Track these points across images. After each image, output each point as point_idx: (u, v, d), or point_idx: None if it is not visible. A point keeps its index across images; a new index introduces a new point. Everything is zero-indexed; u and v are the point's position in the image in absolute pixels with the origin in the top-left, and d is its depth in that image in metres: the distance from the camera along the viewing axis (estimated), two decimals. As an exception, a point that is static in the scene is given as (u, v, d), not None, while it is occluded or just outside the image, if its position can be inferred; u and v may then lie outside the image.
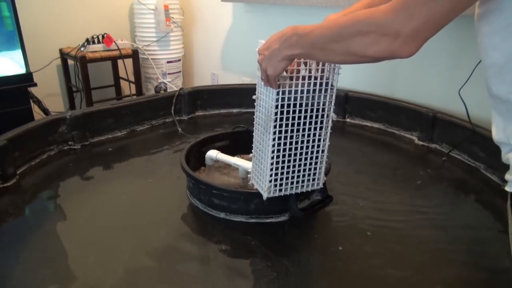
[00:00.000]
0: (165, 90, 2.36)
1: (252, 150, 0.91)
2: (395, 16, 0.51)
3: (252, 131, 0.90)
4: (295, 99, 0.79)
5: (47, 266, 0.80)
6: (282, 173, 0.85)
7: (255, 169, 0.91)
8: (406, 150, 1.37)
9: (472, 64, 1.12)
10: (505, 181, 0.58)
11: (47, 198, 1.07)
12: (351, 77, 1.67)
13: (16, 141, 1.13)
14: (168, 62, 2.45)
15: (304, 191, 0.89)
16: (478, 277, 0.80)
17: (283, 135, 0.81)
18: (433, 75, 1.47)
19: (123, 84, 2.62)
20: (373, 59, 0.56)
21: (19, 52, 1.85)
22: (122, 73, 2.54)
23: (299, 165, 0.86)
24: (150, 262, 0.81)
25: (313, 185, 0.90)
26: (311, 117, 0.82)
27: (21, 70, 1.87)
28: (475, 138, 1.20)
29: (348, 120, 1.61)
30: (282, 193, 0.87)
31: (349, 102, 1.60)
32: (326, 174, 0.92)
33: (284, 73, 0.75)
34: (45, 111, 2.16)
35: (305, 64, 0.77)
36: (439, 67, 1.44)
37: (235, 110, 1.73)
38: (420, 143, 1.39)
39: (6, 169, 1.08)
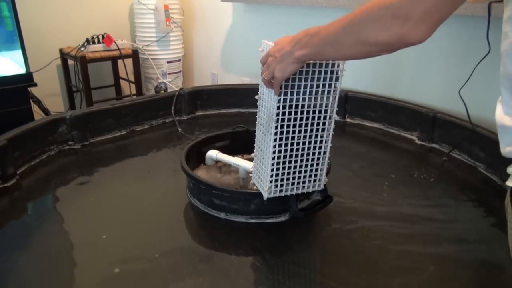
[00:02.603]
0: (165, 90, 2.36)
1: (254, 150, 0.91)
2: None
3: (252, 131, 0.90)
4: (297, 100, 0.79)
5: (47, 266, 0.80)
6: (283, 174, 0.85)
7: (256, 169, 0.91)
8: (406, 150, 1.37)
9: (472, 64, 1.12)
10: (505, 181, 0.58)
11: (47, 198, 1.07)
12: (351, 77, 1.67)
13: (16, 141, 1.13)
14: (168, 62, 2.45)
15: (305, 192, 0.89)
16: (478, 277, 0.80)
17: (284, 136, 0.81)
18: (433, 75, 1.47)
19: (123, 84, 2.62)
20: (385, 46, 0.55)
21: (19, 52, 1.84)
22: (122, 73, 2.54)
23: (300, 166, 0.86)
24: (151, 263, 0.81)
25: (314, 186, 0.90)
26: (313, 118, 0.82)
27: (21, 70, 1.87)
28: (475, 138, 1.20)
29: (348, 120, 1.61)
30: (283, 194, 0.87)
31: (349, 102, 1.60)
32: (326, 174, 0.92)
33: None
34: (45, 111, 2.16)
35: (308, 65, 0.77)
36: (439, 67, 1.44)
37: (235, 110, 1.73)
38: (420, 143, 1.39)
39: (6, 169, 1.08)
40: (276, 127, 0.80)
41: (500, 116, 0.56)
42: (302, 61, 0.69)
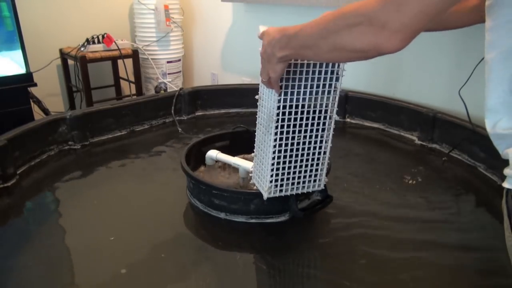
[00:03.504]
0: (165, 90, 2.36)
1: (254, 150, 0.91)
2: (382, 6, 0.48)
3: (252, 131, 0.90)
4: (297, 100, 0.79)
5: (47, 266, 0.80)
6: (283, 174, 0.85)
7: (256, 169, 0.91)
8: (406, 150, 1.37)
9: (472, 64, 1.12)
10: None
11: (47, 198, 1.07)
12: (351, 77, 1.67)
13: (16, 141, 1.13)
14: (168, 62, 2.45)
15: (305, 192, 0.89)
16: (477, 277, 0.80)
17: (284, 136, 0.81)
18: (433, 75, 1.47)
19: (123, 84, 2.62)
20: (362, 54, 0.54)
21: (19, 52, 1.84)
22: (122, 73, 2.54)
23: (300, 166, 0.86)
24: (157, 263, 0.81)
25: (314, 186, 0.90)
26: (313, 118, 0.82)
27: (21, 70, 1.87)
28: (475, 138, 1.20)
29: (348, 120, 1.61)
30: (283, 194, 0.87)
31: (349, 102, 1.60)
32: (326, 174, 0.92)
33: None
34: (45, 111, 2.16)
35: (308, 65, 0.77)
36: (439, 67, 1.44)
37: (235, 110, 1.73)
38: (420, 143, 1.39)
39: (6, 169, 1.08)
40: (276, 127, 0.79)
41: (493, 125, 0.56)
42: (286, 60, 0.69)
